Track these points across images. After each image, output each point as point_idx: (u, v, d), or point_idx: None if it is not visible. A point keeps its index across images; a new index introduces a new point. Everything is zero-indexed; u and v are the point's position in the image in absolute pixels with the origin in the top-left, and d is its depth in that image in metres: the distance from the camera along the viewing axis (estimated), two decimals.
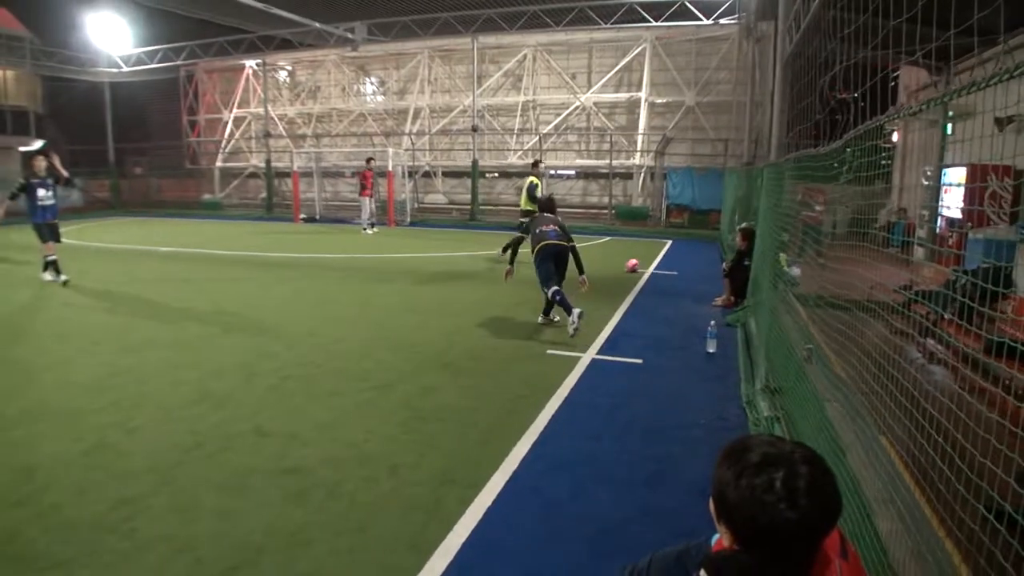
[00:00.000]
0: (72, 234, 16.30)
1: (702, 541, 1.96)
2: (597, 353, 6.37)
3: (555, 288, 6.98)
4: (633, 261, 11.91)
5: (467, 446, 4.22)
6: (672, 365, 6.14)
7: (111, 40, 25.99)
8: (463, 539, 3.14)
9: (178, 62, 26.70)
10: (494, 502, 3.50)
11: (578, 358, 6.16)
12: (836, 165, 3.94)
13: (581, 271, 7.43)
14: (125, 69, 27.03)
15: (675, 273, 11.61)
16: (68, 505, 3.39)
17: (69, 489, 3.56)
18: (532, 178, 12.82)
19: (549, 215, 7.62)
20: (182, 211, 25.22)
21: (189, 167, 29.03)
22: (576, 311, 6.66)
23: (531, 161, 14.44)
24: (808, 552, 1.34)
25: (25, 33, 25.45)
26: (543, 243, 7.19)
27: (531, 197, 12.26)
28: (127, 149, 28.42)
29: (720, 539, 1.58)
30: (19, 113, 27.61)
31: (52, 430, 4.39)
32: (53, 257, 9.80)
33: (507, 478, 3.78)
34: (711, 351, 6.50)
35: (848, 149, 3.61)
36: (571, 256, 7.30)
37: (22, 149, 28.53)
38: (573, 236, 7.44)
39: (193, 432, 4.36)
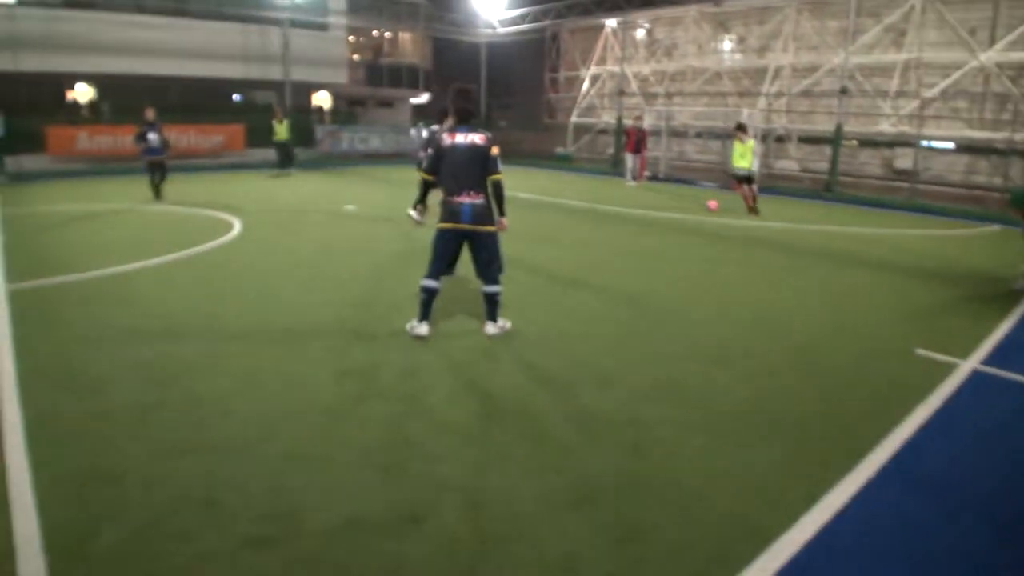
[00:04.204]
0: None
1: None
2: (981, 363, 5.41)
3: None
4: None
5: (814, 441, 3.93)
6: None
7: (489, 3, 28.71)
8: (807, 536, 2.95)
9: (545, 22, 28.56)
10: (844, 506, 3.21)
11: (955, 365, 5.28)
12: None
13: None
14: (500, 30, 29.76)
15: None
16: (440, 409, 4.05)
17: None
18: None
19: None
20: (537, 162, 27.18)
21: (547, 121, 31.24)
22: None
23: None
24: None
25: (420, 0, 29.58)
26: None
27: None
28: (495, 104, 31.68)
29: None
30: (412, 69, 33.46)
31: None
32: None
33: (860, 484, 3.43)
34: None
35: None
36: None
37: (412, 101, 33.87)
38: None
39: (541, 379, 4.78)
